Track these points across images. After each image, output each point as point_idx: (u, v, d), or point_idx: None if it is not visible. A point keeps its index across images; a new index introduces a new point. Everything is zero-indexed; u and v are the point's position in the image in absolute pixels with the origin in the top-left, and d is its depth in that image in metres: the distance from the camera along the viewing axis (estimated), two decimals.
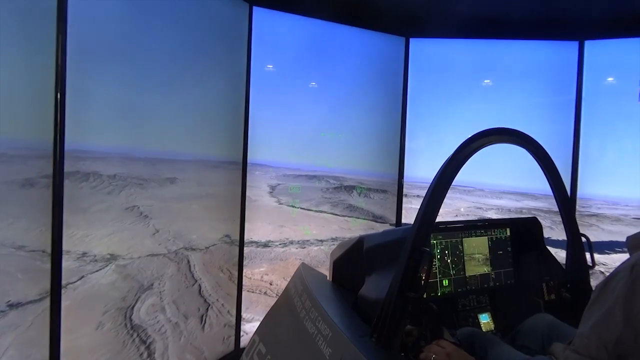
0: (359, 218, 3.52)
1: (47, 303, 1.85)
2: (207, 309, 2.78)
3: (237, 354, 2.92)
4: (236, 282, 2.98)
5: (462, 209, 3.66)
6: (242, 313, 3.02)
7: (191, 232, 2.63)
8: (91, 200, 2.06)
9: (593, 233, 3.33)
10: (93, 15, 1.99)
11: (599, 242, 3.39)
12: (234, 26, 2.82)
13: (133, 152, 2.26)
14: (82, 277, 2.03)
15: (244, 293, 3.03)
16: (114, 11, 2.09)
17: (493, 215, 3.61)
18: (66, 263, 1.93)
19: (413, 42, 3.52)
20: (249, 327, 3.08)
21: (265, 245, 3.21)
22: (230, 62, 2.83)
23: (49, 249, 1.84)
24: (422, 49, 3.54)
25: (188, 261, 2.63)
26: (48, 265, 1.84)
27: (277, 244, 3.26)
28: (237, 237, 2.96)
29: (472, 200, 3.68)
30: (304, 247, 3.34)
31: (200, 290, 2.72)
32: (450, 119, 3.59)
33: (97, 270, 2.10)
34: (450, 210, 3.65)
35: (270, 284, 3.29)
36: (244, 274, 3.02)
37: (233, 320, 2.99)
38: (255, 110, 2.94)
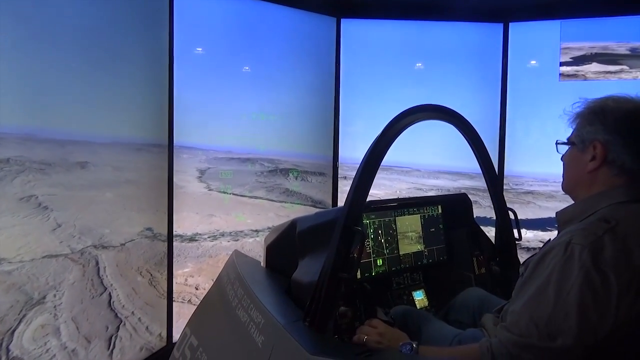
0: (295, 203, 3.39)
1: None
2: (119, 327, 2.29)
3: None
4: (159, 287, 2.60)
5: (398, 191, 3.68)
6: (173, 327, 2.60)
7: (103, 225, 2.22)
8: None
9: (531, 210, 3.46)
10: None
11: (539, 219, 3.50)
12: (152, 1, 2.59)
13: (37, 133, 1.92)
14: None
15: (163, 303, 2.59)
16: None
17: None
18: None
19: (344, 22, 3.47)
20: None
21: (192, 239, 2.84)
22: (151, 38, 2.59)
23: None
24: (354, 29, 3.50)
25: (97, 262, 2.19)
26: None
27: (206, 237, 2.92)
28: (162, 231, 2.64)
29: (410, 181, 3.67)
30: (237, 239, 3.07)
31: (110, 300, 2.25)
32: (386, 101, 3.58)
33: None
34: (390, 192, 3.63)
35: (197, 289, 2.85)
36: (164, 278, 2.64)
37: (153, 341, 2.54)
38: (182, 91, 2.73)
